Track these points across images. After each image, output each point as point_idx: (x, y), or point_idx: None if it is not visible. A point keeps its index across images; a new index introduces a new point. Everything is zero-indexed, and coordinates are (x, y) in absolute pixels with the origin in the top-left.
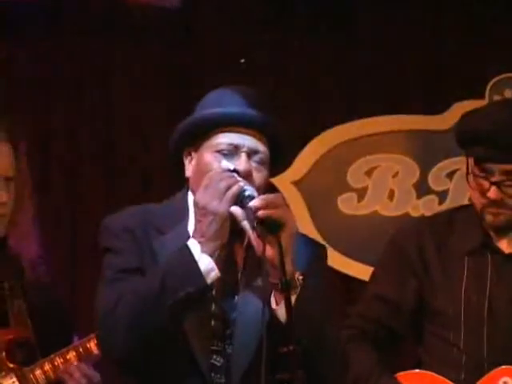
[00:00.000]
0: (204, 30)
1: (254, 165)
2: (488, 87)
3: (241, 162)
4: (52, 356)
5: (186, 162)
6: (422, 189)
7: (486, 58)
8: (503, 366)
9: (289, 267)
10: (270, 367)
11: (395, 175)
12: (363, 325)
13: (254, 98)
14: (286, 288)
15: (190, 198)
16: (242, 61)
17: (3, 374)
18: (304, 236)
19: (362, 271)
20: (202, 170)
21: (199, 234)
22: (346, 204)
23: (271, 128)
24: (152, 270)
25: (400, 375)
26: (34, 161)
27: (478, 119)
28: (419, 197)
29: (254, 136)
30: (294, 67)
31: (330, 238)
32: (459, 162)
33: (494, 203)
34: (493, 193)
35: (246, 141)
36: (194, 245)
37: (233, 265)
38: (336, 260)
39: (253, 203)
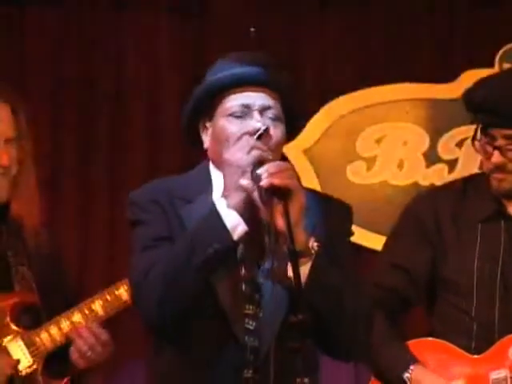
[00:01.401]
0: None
1: (268, 122)
2: (498, 56)
3: (254, 120)
4: (57, 318)
5: (203, 135)
6: (431, 157)
7: (496, 27)
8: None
9: (300, 236)
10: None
11: (405, 144)
12: (379, 293)
13: (261, 57)
14: (292, 256)
15: (212, 168)
16: (252, 29)
17: (9, 337)
18: (327, 196)
19: (370, 240)
20: (219, 137)
21: (225, 189)
22: (355, 173)
23: (279, 83)
24: (181, 235)
25: (411, 343)
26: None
27: (483, 87)
28: (429, 166)
29: (264, 92)
30: (306, 39)
31: None
32: (469, 131)
33: (497, 168)
34: (496, 157)
35: (257, 99)
36: (220, 202)
37: (259, 232)
38: None
39: (260, 170)
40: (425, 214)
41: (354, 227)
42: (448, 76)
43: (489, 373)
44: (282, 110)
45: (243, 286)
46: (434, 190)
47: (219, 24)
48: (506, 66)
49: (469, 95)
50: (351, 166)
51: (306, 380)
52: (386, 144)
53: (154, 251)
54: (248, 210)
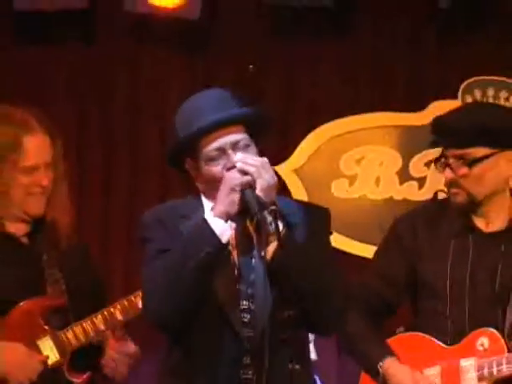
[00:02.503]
0: None
1: (240, 152)
2: (460, 89)
3: (230, 158)
4: (82, 321)
5: (190, 170)
6: (404, 176)
7: (459, 64)
8: (480, 329)
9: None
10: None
11: (381, 164)
12: (365, 293)
13: (220, 98)
14: (258, 224)
15: (203, 197)
16: (251, 66)
17: (41, 337)
18: (308, 203)
19: (351, 246)
20: (207, 180)
21: (215, 202)
22: (339, 188)
23: (239, 117)
24: (177, 243)
25: (391, 340)
26: None
27: (443, 116)
28: (401, 183)
29: (229, 131)
30: (299, 74)
31: None
32: (435, 153)
33: (451, 184)
34: (447, 173)
35: (226, 139)
36: (209, 215)
37: (248, 236)
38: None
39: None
40: (404, 232)
41: (336, 235)
42: (418, 106)
43: (459, 360)
44: (250, 132)
45: (237, 286)
46: (412, 211)
47: (223, 59)
48: (468, 97)
49: (433, 122)
50: (335, 183)
51: (297, 366)
52: (365, 164)
53: (158, 262)
54: (235, 215)
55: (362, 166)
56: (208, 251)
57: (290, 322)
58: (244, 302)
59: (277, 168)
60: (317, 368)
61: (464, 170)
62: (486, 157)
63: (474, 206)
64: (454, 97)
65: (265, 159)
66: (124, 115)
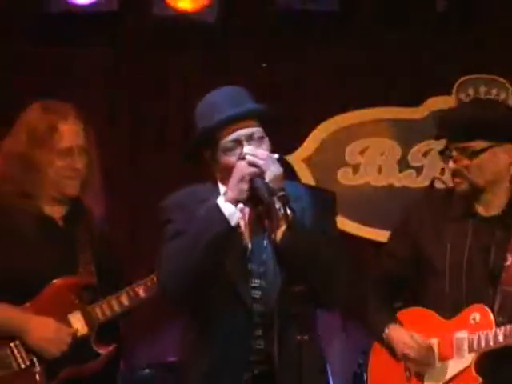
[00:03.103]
0: None
1: (254, 143)
2: (455, 86)
3: (244, 149)
4: (109, 297)
5: (208, 159)
6: (403, 164)
7: (454, 64)
8: (473, 305)
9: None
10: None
11: (382, 154)
12: (379, 275)
13: (237, 96)
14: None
15: (220, 184)
16: (264, 65)
17: (72, 311)
18: (316, 187)
19: (355, 228)
20: (224, 169)
21: (227, 188)
22: (344, 176)
23: (253, 112)
24: (191, 225)
25: (400, 313)
26: None
27: (445, 114)
28: (401, 171)
29: (244, 124)
30: (309, 72)
31: None
32: (432, 144)
33: (455, 174)
34: (451, 164)
35: (241, 132)
36: (220, 200)
37: (260, 220)
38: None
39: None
40: (412, 218)
41: (342, 218)
42: (416, 102)
43: (454, 333)
44: (263, 125)
45: (249, 266)
46: (421, 200)
47: (237, 57)
48: (462, 94)
49: (438, 118)
50: (341, 171)
51: (305, 337)
52: (368, 154)
53: (175, 241)
54: (247, 199)
55: (365, 155)
56: (217, 232)
57: (299, 297)
58: (255, 280)
59: (288, 157)
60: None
61: (466, 161)
62: (485, 149)
63: (476, 193)
64: (449, 93)
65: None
66: (151, 109)
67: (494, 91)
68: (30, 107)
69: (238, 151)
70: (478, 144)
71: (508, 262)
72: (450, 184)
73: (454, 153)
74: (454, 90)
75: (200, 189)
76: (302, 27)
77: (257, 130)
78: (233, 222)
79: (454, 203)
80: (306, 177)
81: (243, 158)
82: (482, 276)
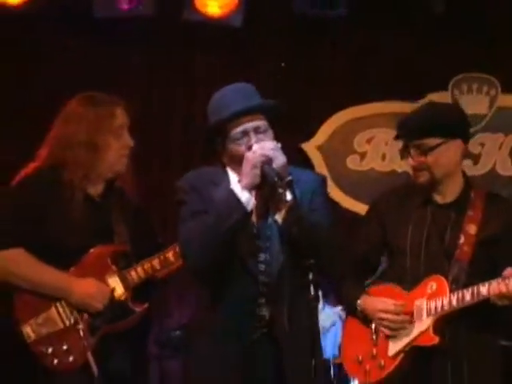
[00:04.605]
0: None
1: (260, 136)
2: (451, 83)
3: (252, 140)
4: (142, 262)
5: (218, 147)
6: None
7: (450, 63)
8: (431, 276)
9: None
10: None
11: (386, 143)
12: (353, 259)
13: (245, 91)
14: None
15: (229, 170)
16: (283, 64)
17: (109, 274)
18: (311, 171)
19: (362, 208)
20: (233, 157)
21: (241, 176)
22: (352, 162)
23: (261, 107)
24: (211, 209)
25: (371, 289)
26: None
27: (403, 117)
28: (403, 158)
29: (252, 118)
30: (320, 70)
31: (341, 187)
32: None
33: (414, 169)
34: (410, 161)
35: (249, 124)
36: (236, 187)
37: (265, 202)
38: (345, 201)
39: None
40: (380, 206)
41: (349, 199)
42: (416, 97)
43: (414, 301)
44: (268, 118)
45: (256, 242)
46: (388, 191)
47: (260, 58)
48: (456, 90)
49: (397, 121)
50: (349, 158)
51: (315, 304)
52: (373, 143)
53: (193, 221)
54: (258, 188)
55: (371, 144)
56: (237, 218)
57: (308, 269)
58: (261, 255)
59: (302, 145)
60: None
61: (422, 157)
62: (438, 145)
63: (433, 184)
64: (446, 89)
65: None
66: (180, 103)
67: (485, 88)
68: (76, 99)
69: (245, 140)
70: (432, 141)
71: (461, 240)
72: None
73: (412, 150)
74: (449, 87)
75: (211, 171)
76: (316, 29)
77: (263, 123)
78: (249, 208)
79: (415, 193)
80: (319, 163)
81: (253, 148)
82: (438, 252)
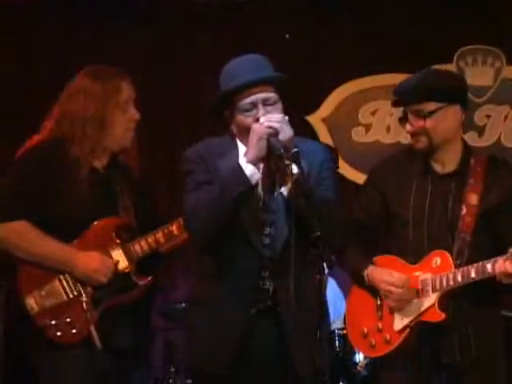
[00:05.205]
0: None
1: (269, 108)
2: (456, 55)
3: (260, 112)
4: (146, 235)
5: (227, 117)
6: None
7: (455, 35)
8: (435, 250)
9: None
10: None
11: (391, 115)
12: (354, 228)
13: (256, 62)
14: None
15: (237, 140)
16: (287, 36)
17: (113, 247)
18: (319, 143)
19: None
20: (240, 127)
21: (247, 149)
22: (357, 134)
23: (271, 78)
24: (217, 181)
25: (378, 259)
26: None
27: (401, 81)
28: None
29: (262, 89)
30: (326, 43)
31: (347, 158)
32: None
33: (412, 134)
34: (407, 126)
35: (258, 96)
36: (242, 160)
37: (271, 175)
38: (350, 173)
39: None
40: (379, 175)
41: (354, 171)
42: (421, 69)
43: (419, 276)
44: (278, 89)
45: (261, 215)
46: (385, 159)
47: (265, 30)
48: (462, 62)
49: (395, 87)
50: (354, 130)
51: (323, 276)
52: (378, 115)
53: (199, 191)
54: (263, 161)
55: (376, 116)
56: (241, 190)
57: (310, 242)
58: (267, 228)
59: (308, 117)
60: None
61: (421, 122)
62: (436, 110)
63: (432, 151)
64: (451, 62)
65: (285, 116)
66: (185, 78)
67: (489, 59)
68: (82, 72)
69: (254, 112)
70: (430, 105)
71: (463, 212)
72: None
73: (410, 116)
74: (454, 59)
75: (218, 141)
76: (321, 1)
77: (272, 96)
78: (253, 181)
79: (414, 160)
80: (324, 135)
81: (260, 120)
82: (441, 224)
